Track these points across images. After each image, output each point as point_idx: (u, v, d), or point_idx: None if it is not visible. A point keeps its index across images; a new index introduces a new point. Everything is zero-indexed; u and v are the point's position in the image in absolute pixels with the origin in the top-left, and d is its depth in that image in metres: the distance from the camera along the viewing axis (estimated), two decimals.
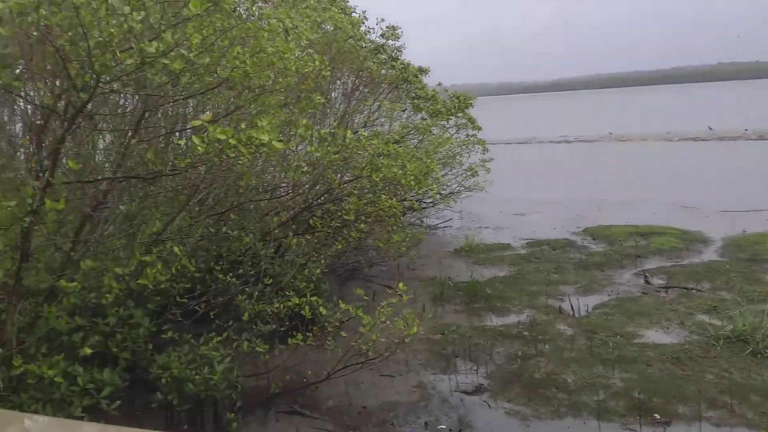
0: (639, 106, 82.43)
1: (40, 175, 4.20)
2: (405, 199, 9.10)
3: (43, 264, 4.25)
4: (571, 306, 8.75)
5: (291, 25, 6.40)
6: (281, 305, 5.52)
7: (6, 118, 6.44)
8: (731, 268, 10.23)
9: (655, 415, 5.80)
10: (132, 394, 4.68)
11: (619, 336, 7.61)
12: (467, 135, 14.84)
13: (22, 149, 6.03)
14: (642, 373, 6.61)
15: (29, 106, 5.76)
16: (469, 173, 14.64)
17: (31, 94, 5.54)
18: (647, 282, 9.91)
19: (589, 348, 7.28)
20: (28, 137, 5.51)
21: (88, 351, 3.75)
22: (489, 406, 6.14)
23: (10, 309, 3.80)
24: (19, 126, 6.48)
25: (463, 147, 14.59)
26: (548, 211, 16.38)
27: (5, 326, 3.70)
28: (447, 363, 7.09)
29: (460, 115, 14.53)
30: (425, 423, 5.85)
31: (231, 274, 5.83)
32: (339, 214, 7.47)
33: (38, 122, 5.05)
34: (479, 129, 14.92)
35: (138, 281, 4.51)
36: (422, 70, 13.44)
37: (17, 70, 4.76)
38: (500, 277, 10.52)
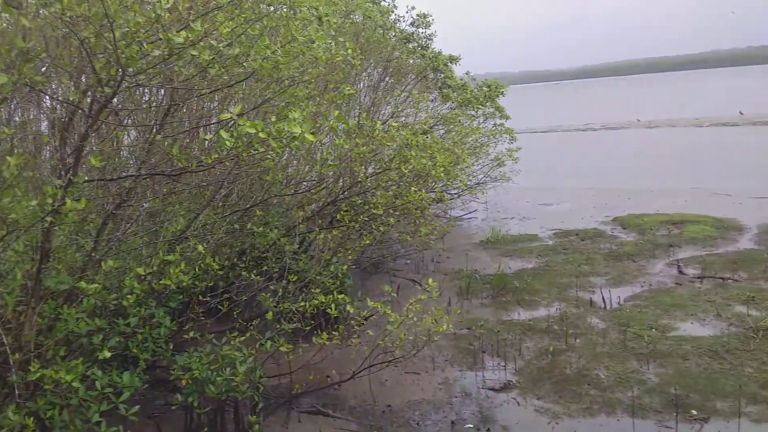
0: (665, 92, 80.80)
1: (63, 173, 4.08)
2: (434, 191, 8.89)
3: (63, 265, 4.13)
4: (603, 298, 8.47)
5: (324, 13, 6.23)
6: (306, 303, 5.36)
7: (31, 116, 6.36)
8: None
9: (693, 411, 5.54)
10: (151, 395, 4.57)
11: (653, 329, 7.32)
12: (494, 124, 14.56)
13: (47, 147, 5.95)
14: (678, 367, 6.34)
15: (54, 103, 5.66)
16: (495, 163, 14.38)
17: (57, 89, 5.44)
18: (681, 272, 9.56)
19: (623, 342, 7.02)
20: (50, 134, 5.41)
21: (108, 354, 3.62)
22: (518, 403, 5.93)
23: (29, 311, 3.69)
24: (45, 124, 6.40)
25: (491, 137, 14.33)
26: (576, 201, 16.01)
27: (23, 329, 3.59)
28: (474, 359, 6.88)
29: (488, 104, 14.26)
30: (452, 422, 5.65)
31: (254, 271, 5.68)
32: (366, 207, 7.29)
33: (63, 119, 4.94)
34: (508, 118, 14.63)
35: (160, 281, 4.37)
36: (453, 59, 13.15)
37: (43, 68, 4.65)
38: (528, 269, 10.26)
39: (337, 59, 5.22)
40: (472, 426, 5.59)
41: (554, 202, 16.15)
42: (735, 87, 76.15)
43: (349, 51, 5.19)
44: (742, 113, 36.97)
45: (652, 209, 13.95)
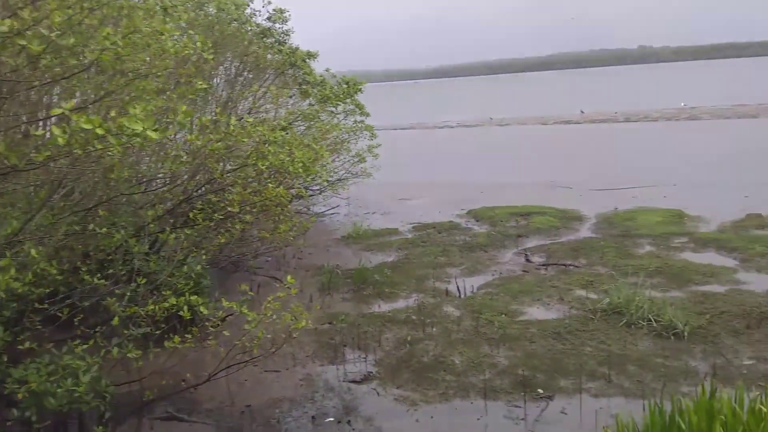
0: (516, 93, 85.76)
1: None
2: (292, 187, 8.81)
3: None
4: (458, 288, 8.83)
5: (170, 3, 5.94)
6: (156, 306, 5.11)
7: None
8: (605, 244, 10.72)
9: (539, 390, 5.91)
10: None
11: (503, 315, 7.74)
12: (355, 121, 14.71)
13: None
14: (525, 350, 6.75)
15: None
16: (356, 159, 14.55)
17: None
18: (528, 260, 10.19)
19: (475, 328, 7.36)
20: None
21: None
22: (378, 393, 6.04)
23: None
24: None
25: (351, 133, 14.46)
26: (434, 195, 16.58)
27: None
28: (335, 353, 6.93)
29: (348, 101, 14.36)
30: (312, 417, 5.66)
31: (99, 275, 5.33)
32: (222, 205, 7.09)
33: None
34: (367, 115, 14.82)
35: None
36: (311, 55, 13.11)
37: None
38: (388, 262, 10.49)
39: (186, 52, 5.02)
40: (333, 419, 5.61)
41: (413, 196, 16.61)
42: (577, 88, 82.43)
43: (199, 44, 5.01)
44: (582, 112, 40.09)
45: (502, 202, 14.74)
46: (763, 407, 3.81)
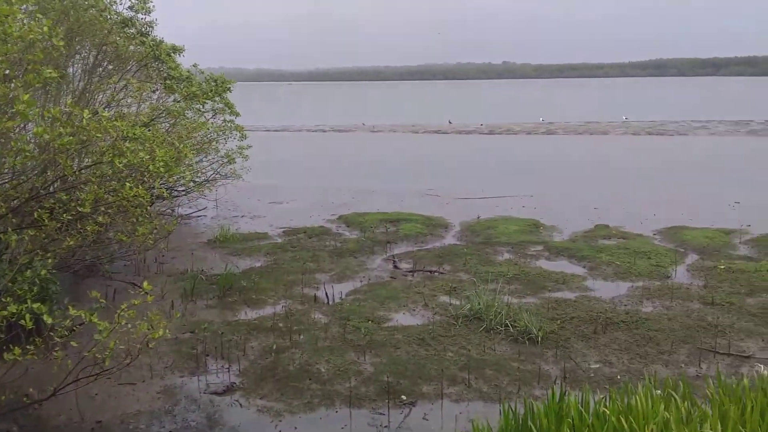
0: (389, 100, 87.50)
1: None
2: (153, 188, 8.36)
3: None
4: (326, 294, 8.79)
5: None
6: None
7: None
8: (468, 251, 11.13)
9: (402, 396, 5.99)
10: None
11: (370, 321, 7.79)
12: (224, 120, 14.28)
13: None
14: (391, 356, 6.82)
15: None
16: (225, 160, 14.12)
17: None
18: (396, 266, 10.36)
19: (343, 335, 7.35)
20: None
21: None
22: (240, 405, 5.85)
23: None
24: None
25: (220, 133, 14.02)
26: (306, 199, 16.46)
27: None
28: (197, 363, 6.64)
29: (217, 99, 13.91)
30: (170, 431, 5.37)
31: None
32: (73, 204, 6.57)
33: None
34: (237, 114, 14.44)
35: None
36: (176, 49, 12.56)
37: None
38: (256, 267, 10.25)
39: (31, 36, 4.60)
40: None
41: (285, 200, 16.39)
42: (445, 99, 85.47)
43: (45, 29, 4.61)
44: (450, 122, 41.59)
45: (373, 208, 14.92)
46: (606, 410, 4.07)
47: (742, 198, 15.68)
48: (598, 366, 6.58)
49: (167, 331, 5.46)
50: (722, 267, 9.86)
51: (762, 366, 6.07)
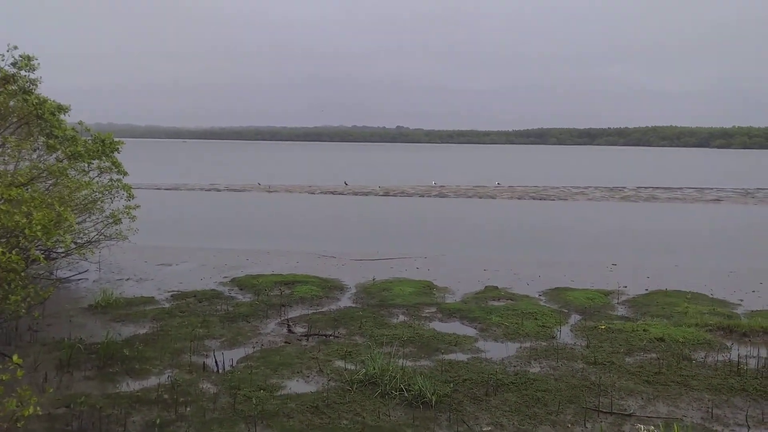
0: (286, 160, 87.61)
1: None
2: (29, 250, 7.80)
3: None
4: (216, 362, 8.43)
5: None
6: None
7: None
8: (363, 313, 11.09)
9: None
10: None
11: (262, 390, 7.52)
12: (111, 179, 13.70)
13: None
14: (283, 426, 6.58)
15: None
16: (111, 220, 13.48)
17: None
18: (290, 331, 10.14)
19: (232, 405, 7.03)
20: None
21: None
22: None
23: None
24: None
25: (106, 192, 13.42)
26: (197, 261, 15.93)
27: None
28: None
29: (103, 158, 13.37)
30: None
31: None
32: None
33: None
34: (125, 173, 13.90)
35: None
36: (62, 108, 12.07)
37: None
38: (141, 334, 9.69)
39: None
40: None
41: (174, 262, 15.79)
42: (342, 160, 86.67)
43: None
44: (346, 183, 42.11)
45: (268, 270, 14.66)
46: None
47: (618, 260, 16.76)
48: (489, 429, 6.65)
49: (38, 408, 5.02)
50: (603, 327, 10.39)
51: (642, 426, 6.37)
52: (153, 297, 12.11)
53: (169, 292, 12.58)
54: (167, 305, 11.58)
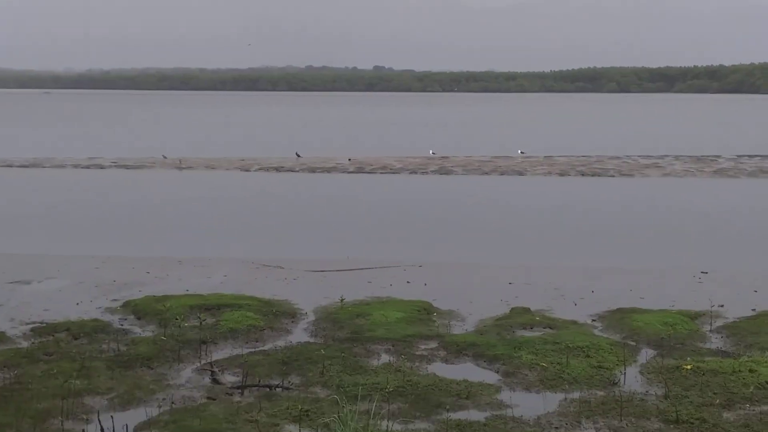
0: (202, 121, 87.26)
1: None
2: None
3: None
4: (102, 430, 8.38)
5: None
6: None
7: None
8: (327, 353, 11.06)
9: None
10: None
11: None
12: None
13: None
14: None
15: None
16: None
17: None
18: (216, 381, 10.11)
19: None
20: None
21: None
22: None
23: None
24: None
25: None
26: (71, 276, 15.84)
27: None
28: None
29: None
30: None
31: None
32: None
33: None
34: None
35: None
36: None
37: None
38: None
39: None
40: None
41: (36, 278, 15.69)
42: (291, 119, 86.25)
43: None
44: (299, 155, 42.03)
45: (179, 288, 14.59)
46: None
47: (711, 266, 16.83)
48: None
49: None
50: (688, 367, 10.45)
51: None
52: (3, 332, 12.01)
53: (27, 324, 12.51)
54: (24, 344, 11.49)
